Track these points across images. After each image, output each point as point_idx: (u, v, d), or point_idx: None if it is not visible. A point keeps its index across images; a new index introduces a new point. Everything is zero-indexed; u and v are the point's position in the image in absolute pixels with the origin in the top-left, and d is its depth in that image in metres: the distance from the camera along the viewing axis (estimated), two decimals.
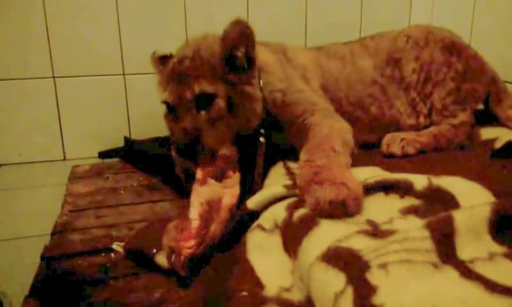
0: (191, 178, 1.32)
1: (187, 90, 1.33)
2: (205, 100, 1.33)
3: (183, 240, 1.13)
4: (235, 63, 1.37)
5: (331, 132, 1.38)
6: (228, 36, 1.35)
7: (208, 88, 1.32)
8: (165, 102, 1.40)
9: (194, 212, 1.18)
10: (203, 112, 1.33)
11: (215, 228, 1.18)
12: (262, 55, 1.54)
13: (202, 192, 1.23)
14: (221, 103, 1.34)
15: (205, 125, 1.32)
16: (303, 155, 1.30)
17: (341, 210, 1.03)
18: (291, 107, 1.51)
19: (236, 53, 1.36)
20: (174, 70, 1.37)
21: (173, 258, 1.13)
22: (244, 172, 1.36)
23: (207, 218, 1.17)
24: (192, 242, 1.12)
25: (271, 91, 1.51)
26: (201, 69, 1.34)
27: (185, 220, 1.19)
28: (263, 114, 1.46)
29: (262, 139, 1.45)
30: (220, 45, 1.36)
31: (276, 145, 1.53)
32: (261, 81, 1.47)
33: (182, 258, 1.11)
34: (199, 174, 1.28)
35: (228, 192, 1.26)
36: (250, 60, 1.40)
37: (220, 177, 1.31)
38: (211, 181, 1.27)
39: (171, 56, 1.49)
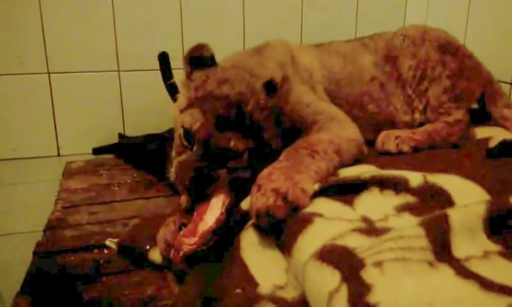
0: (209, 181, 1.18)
1: (218, 136, 1.17)
2: (231, 152, 1.19)
3: (185, 236, 1.11)
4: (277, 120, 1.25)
5: (326, 138, 1.27)
6: (281, 95, 1.22)
7: (241, 146, 1.19)
8: (183, 127, 1.21)
9: (212, 217, 1.13)
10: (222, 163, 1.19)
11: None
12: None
13: (226, 202, 1.17)
14: (245, 157, 1.21)
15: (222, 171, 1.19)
16: (281, 154, 1.20)
17: (267, 220, 1.02)
18: (298, 119, 1.40)
19: (282, 112, 1.25)
20: (210, 102, 1.20)
21: (172, 253, 1.12)
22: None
23: (221, 227, 1.13)
24: (194, 240, 1.10)
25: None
26: (241, 121, 1.19)
27: (185, 216, 1.19)
28: None
29: None
30: (268, 99, 1.22)
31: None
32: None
33: (181, 253, 1.09)
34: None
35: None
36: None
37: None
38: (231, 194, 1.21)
39: (211, 62, 1.29)
